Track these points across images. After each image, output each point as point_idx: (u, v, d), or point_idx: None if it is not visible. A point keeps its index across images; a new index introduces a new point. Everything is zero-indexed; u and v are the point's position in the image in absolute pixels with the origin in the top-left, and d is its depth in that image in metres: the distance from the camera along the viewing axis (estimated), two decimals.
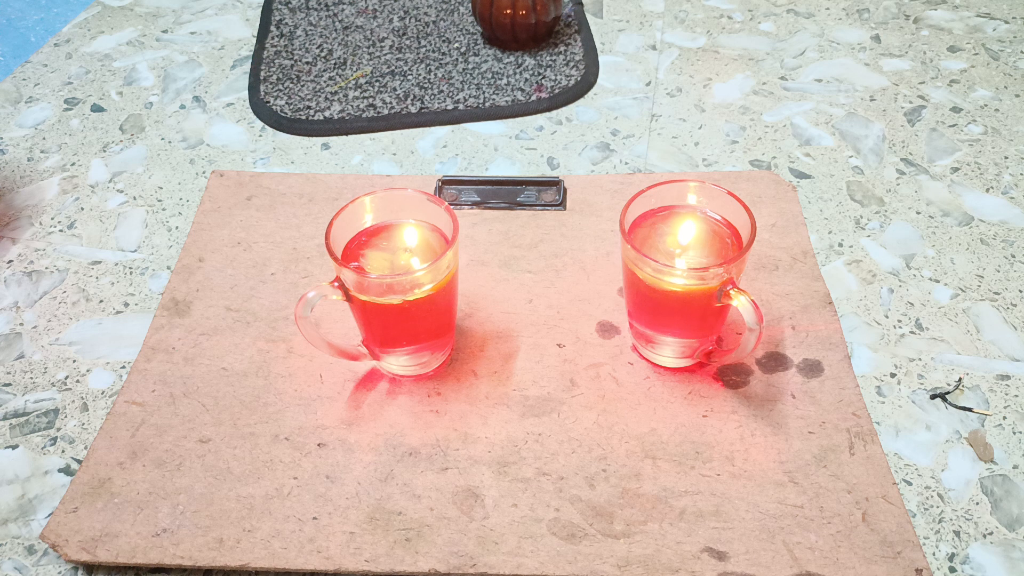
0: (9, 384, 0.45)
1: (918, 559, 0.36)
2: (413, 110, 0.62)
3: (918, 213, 0.53)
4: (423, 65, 0.67)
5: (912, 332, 0.46)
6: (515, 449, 0.40)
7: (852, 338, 0.46)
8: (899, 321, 0.46)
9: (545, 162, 0.58)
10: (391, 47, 0.69)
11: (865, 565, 0.36)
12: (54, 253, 0.53)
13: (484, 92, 0.63)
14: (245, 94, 0.65)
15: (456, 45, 0.69)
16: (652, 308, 0.41)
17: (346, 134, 0.61)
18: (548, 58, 0.67)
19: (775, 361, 0.44)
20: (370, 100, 0.63)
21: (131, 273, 0.51)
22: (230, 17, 0.74)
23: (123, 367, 0.46)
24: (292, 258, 0.51)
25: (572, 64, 0.66)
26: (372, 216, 0.42)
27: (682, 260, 0.40)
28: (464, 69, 0.66)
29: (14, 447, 0.42)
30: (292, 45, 0.69)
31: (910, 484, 0.39)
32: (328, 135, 0.61)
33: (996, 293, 0.48)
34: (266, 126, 0.62)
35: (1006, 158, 0.57)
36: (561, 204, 0.53)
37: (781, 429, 0.41)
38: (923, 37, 0.68)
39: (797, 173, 0.57)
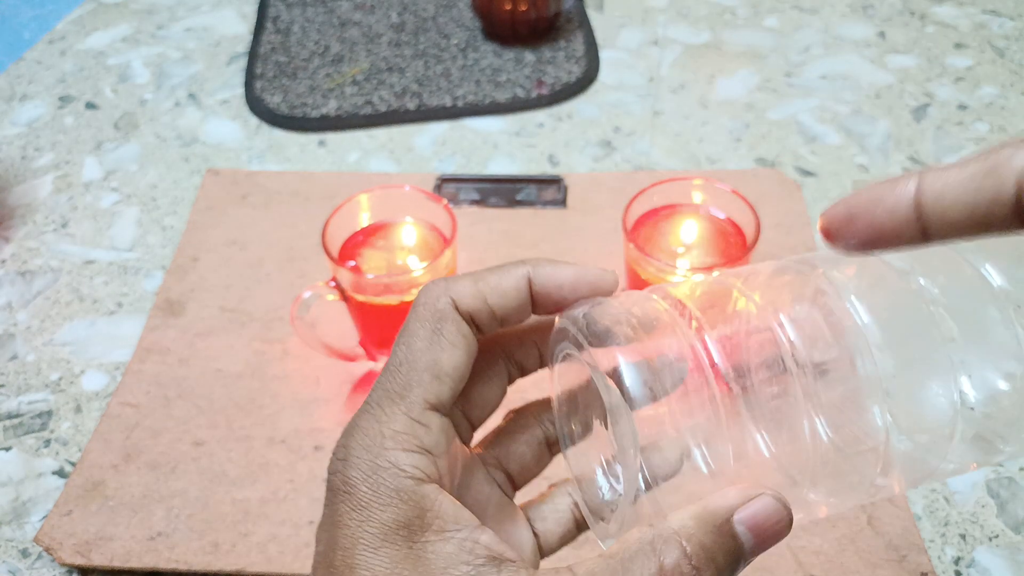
0: (3, 385, 0.45)
1: (923, 563, 0.35)
2: (411, 107, 0.61)
3: None
4: (421, 61, 0.66)
5: None
6: None
7: None
8: None
9: (546, 159, 0.57)
10: (389, 43, 0.68)
11: (870, 569, 0.35)
12: (47, 252, 0.52)
13: (483, 88, 0.63)
14: (240, 91, 0.64)
15: (455, 41, 0.68)
16: None
17: (343, 131, 0.60)
18: (549, 54, 0.66)
19: None
20: (367, 97, 0.62)
21: (125, 273, 0.51)
22: (225, 13, 0.73)
23: (117, 368, 0.45)
24: (288, 257, 0.50)
25: (573, 60, 0.65)
26: (369, 215, 0.41)
27: (685, 260, 0.40)
28: (463, 65, 0.65)
29: (7, 449, 0.42)
30: (288, 41, 0.69)
31: (915, 487, 0.39)
32: (324, 132, 0.60)
33: None
34: (262, 123, 0.61)
35: None
36: (562, 202, 0.53)
37: None
38: (929, 34, 0.68)
39: (802, 171, 0.56)
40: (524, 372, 0.21)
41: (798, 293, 0.18)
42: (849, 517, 0.37)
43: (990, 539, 0.37)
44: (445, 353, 0.18)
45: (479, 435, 0.22)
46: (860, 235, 0.16)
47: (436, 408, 0.18)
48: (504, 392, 0.21)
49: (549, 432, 0.22)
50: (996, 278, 0.18)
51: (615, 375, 0.17)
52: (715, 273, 0.20)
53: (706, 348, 0.17)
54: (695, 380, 0.17)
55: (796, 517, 0.17)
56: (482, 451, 0.22)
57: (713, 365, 0.17)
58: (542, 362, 0.21)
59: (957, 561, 0.36)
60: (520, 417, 0.22)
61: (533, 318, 0.20)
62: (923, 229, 0.15)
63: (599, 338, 0.18)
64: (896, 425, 0.17)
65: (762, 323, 0.18)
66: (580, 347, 0.18)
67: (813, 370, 0.17)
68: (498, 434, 0.22)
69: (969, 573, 0.36)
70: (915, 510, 0.38)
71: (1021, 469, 0.39)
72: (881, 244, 0.16)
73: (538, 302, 0.19)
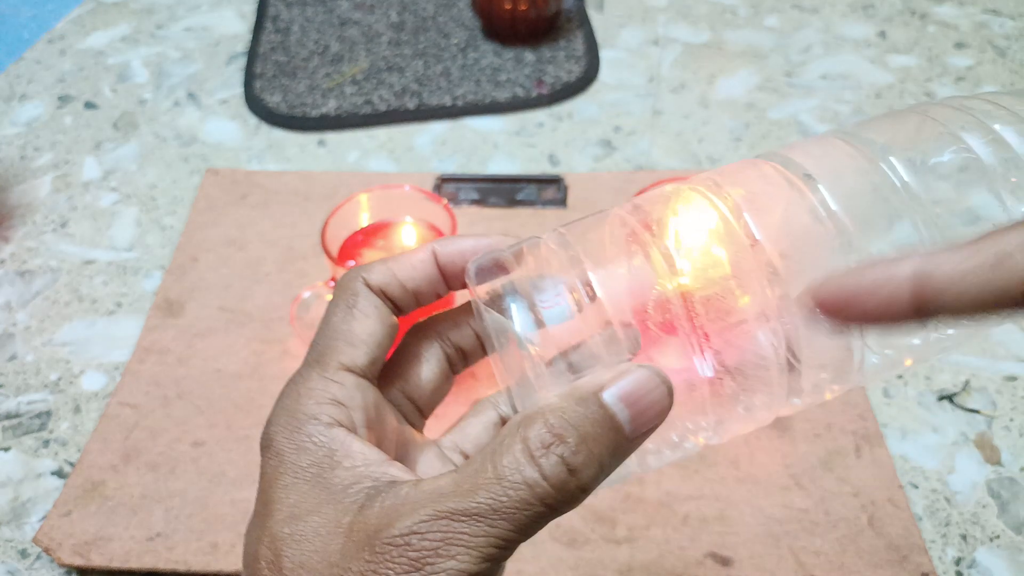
0: (2, 385, 0.44)
1: (924, 563, 0.35)
2: (411, 106, 0.61)
3: None
4: (421, 60, 0.66)
5: None
6: None
7: None
8: None
9: (546, 159, 0.57)
10: (388, 42, 0.68)
11: (871, 570, 0.35)
12: (47, 252, 0.52)
13: (483, 88, 0.63)
14: (240, 90, 0.64)
15: (455, 40, 0.68)
16: None
17: (343, 130, 0.60)
18: (549, 53, 0.66)
19: None
20: (367, 96, 0.62)
21: (124, 273, 0.50)
22: (225, 12, 0.73)
23: (116, 368, 0.45)
24: (287, 257, 0.50)
25: (573, 59, 0.65)
26: (369, 214, 0.41)
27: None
28: (463, 64, 0.65)
29: (7, 449, 0.42)
30: (288, 40, 0.69)
31: (916, 487, 0.39)
32: (324, 132, 0.60)
33: None
34: (261, 123, 0.61)
35: None
36: (562, 202, 0.53)
37: (787, 432, 0.40)
38: (929, 33, 0.68)
39: None
40: (465, 355, 0.22)
41: (682, 208, 0.19)
42: (850, 518, 0.37)
43: (991, 539, 0.37)
44: (357, 322, 0.20)
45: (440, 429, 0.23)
46: (853, 320, 0.16)
47: (350, 369, 0.19)
48: (447, 375, 0.22)
49: (506, 416, 0.23)
50: (901, 173, 0.18)
51: (496, 301, 0.18)
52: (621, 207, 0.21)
53: (586, 278, 0.18)
54: (580, 308, 0.18)
55: (736, 426, 0.18)
56: (441, 438, 0.23)
57: (592, 296, 0.18)
58: (481, 345, 0.22)
59: (958, 562, 0.36)
60: (479, 404, 0.23)
61: (458, 297, 0.21)
62: (920, 316, 0.15)
63: (483, 274, 0.19)
64: (787, 303, 0.18)
65: (641, 246, 0.18)
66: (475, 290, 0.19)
67: (690, 275, 0.18)
68: (458, 421, 0.23)
69: (970, 574, 0.36)
70: (916, 510, 0.38)
71: (1022, 469, 0.39)
72: (874, 327, 0.16)
73: (448, 273, 0.21)
